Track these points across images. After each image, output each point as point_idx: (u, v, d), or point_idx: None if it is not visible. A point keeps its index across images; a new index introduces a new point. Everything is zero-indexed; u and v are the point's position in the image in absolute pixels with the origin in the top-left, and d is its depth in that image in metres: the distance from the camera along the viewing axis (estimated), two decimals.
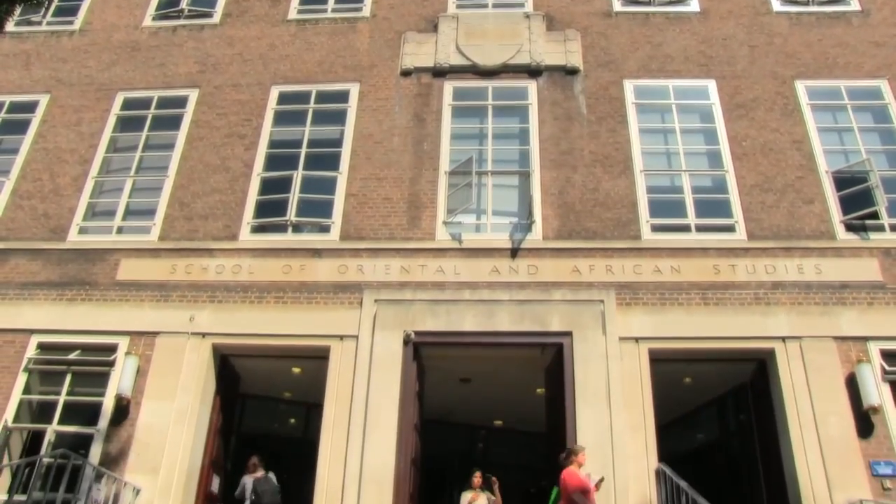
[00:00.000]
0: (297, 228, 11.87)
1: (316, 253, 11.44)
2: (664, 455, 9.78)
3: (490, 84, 13.05)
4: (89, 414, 10.58)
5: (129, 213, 12.43)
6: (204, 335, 10.94)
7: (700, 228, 11.50)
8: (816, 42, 13.19)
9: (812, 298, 10.69)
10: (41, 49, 14.35)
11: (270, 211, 11.96)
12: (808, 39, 13.24)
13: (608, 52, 13.28)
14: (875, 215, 11.27)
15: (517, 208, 11.92)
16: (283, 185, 12.06)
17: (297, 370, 12.08)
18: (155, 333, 10.96)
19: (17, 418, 10.68)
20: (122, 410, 10.45)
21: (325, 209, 11.89)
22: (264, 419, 13.93)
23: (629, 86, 12.85)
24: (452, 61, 13.17)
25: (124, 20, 14.61)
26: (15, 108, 13.63)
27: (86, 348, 10.98)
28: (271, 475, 11.01)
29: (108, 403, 10.52)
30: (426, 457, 11.05)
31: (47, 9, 14.42)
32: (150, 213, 12.24)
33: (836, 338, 10.35)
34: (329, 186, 12.07)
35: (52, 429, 10.44)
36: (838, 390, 9.99)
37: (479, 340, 10.66)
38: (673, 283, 10.89)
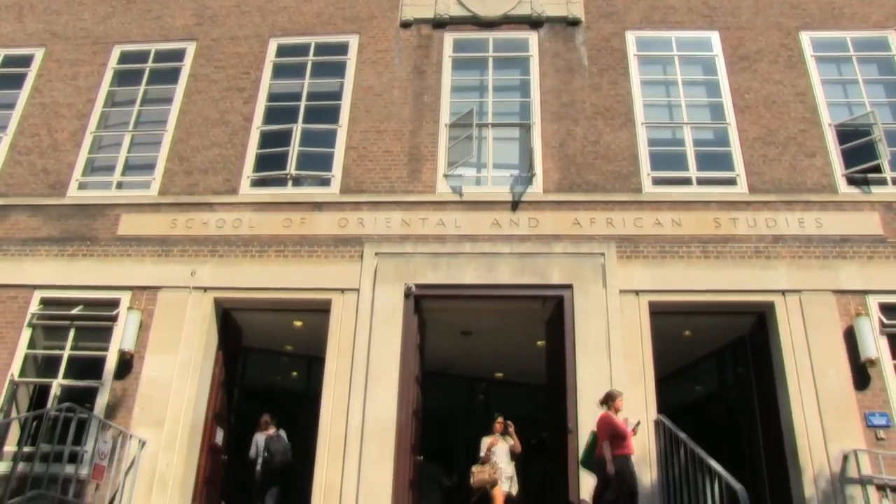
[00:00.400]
0: (298, 182, 11.84)
1: (316, 206, 11.43)
2: (663, 407, 9.88)
3: (491, 35, 12.89)
4: (94, 368, 10.67)
5: (128, 167, 12.38)
6: (205, 289, 10.98)
7: (701, 181, 11.46)
8: None
9: (812, 252, 10.70)
10: (34, 1, 14.14)
11: (270, 164, 11.91)
12: None
13: (610, 2, 13.09)
14: (877, 169, 11.21)
15: (518, 161, 11.88)
16: (283, 138, 11.99)
17: (298, 323, 12.16)
18: (157, 288, 11.01)
19: (22, 373, 10.78)
20: (126, 364, 10.54)
21: (325, 162, 11.84)
22: (267, 372, 14.06)
23: (631, 37, 12.69)
24: (453, 12, 13.00)
25: None
26: (9, 61, 13.47)
27: (88, 303, 11.04)
28: (282, 433, 11.25)
29: (111, 358, 10.61)
30: (427, 409, 11.15)
31: None
32: (149, 167, 12.20)
33: (835, 291, 10.39)
34: (329, 139, 12.00)
35: (58, 383, 10.55)
36: (836, 343, 10.05)
37: (480, 293, 10.70)
38: (673, 236, 10.89)
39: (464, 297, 10.82)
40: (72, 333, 10.94)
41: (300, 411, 12.85)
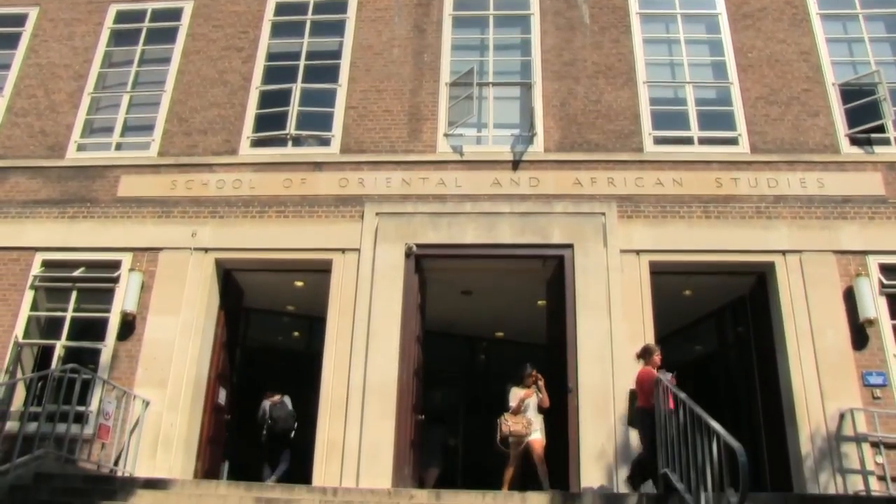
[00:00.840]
0: (298, 142, 11.80)
1: (316, 166, 11.40)
2: (663, 366, 9.92)
3: None
4: (97, 329, 10.74)
5: (127, 129, 12.33)
6: (206, 250, 11.00)
7: (703, 141, 11.42)
8: None
9: (813, 212, 10.69)
10: None
11: (270, 124, 11.85)
12: None
13: None
14: (881, 128, 11.15)
15: (518, 120, 11.82)
16: (283, 98, 11.91)
17: (299, 284, 12.19)
18: (158, 249, 11.02)
19: (26, 334, 10.85)
20: (129, 326, 10.60)
21: (325, 122, 11.79)
22: (268, 332, 14.13)
23: None
24: None
25: None
26: (3, 20, 13.29)
27: (90, 265, 11.07)
28: (286, 399, 11.44)
29: (114, 319, 10.68)
30: (428, 368, 11.22)
31: None
32: (148, 128, 12.14)
33: (835, 252, 10.40)
34: (329, 99, 11.92)
35: (61, 344, 10.62)
36: (836, 303, 10.09)
37: (481, 253, 10.71)
38: (674, 196, 10.87)
39: (464, 257, 10.84)
40: (74, 295, 11.00)
41: (302, 371, 12.95)
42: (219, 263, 11.11)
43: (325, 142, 11.71)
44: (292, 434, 11.60)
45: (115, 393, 9.93)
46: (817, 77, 11.65)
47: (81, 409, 9.52)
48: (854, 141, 11.16)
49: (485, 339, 15.71)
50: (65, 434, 9.05)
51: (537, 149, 11.31)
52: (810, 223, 10.60)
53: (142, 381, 10.25)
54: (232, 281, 11.57)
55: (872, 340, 9.89)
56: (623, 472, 9.19)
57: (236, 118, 11.93)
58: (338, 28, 12.56)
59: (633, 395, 8.83)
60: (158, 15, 13.03)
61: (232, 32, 12.66)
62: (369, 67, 12.14)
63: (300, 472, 10.50)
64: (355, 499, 7.72)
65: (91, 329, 10.83)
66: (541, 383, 9.77)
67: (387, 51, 12.26)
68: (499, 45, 12.39)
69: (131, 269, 10.81)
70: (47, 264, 11.17)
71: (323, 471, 9.67)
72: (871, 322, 9.84)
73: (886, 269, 10.25)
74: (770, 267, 10.50)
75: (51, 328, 11.04)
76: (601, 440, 9.42)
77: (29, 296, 11.00)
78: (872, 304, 9.86)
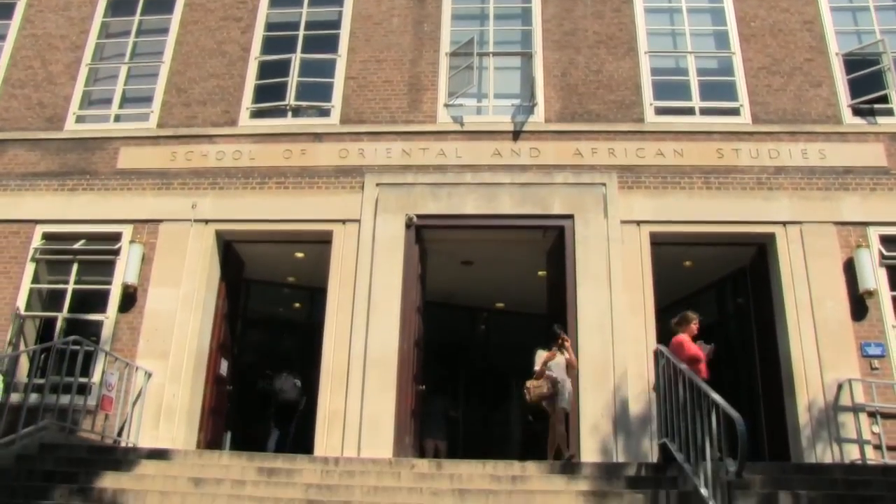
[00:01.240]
0: (297, 112, 11.74)
1: (316, 137, 11.35)
2: (663, 337, 9.95)
3: None
4: (98, 302, 10.76)
5: (125, 100, 12.27)
6: (207, 222, 10.99)
7: (704, 111, 11.35)
8: None
9: (815, 184, 10.65)
10: None
11: (269, 95, 11.79)
12: None
13: None
14: (884, 99, 11.09)
15: (519, 90, 11.76)
16: (282, 68, 11.84)
17: (300, 255, 12.19)
18: (158, 221, 11.02)
19: (28, 306, 10.87)
20: (130, 297, 10.62)
21: (325, 92, 11.72)
22: (269, 304, 14.16)
23: None
24: None
25: None
26: None
27: (90, 237, 11.06)
28: (290, 375, 12.25)
29: (115, 291, 10.70)
30: (428, 339, 11.27)
31: None
32: (147, 100, 12.08)
33: (836, 223, 10.39)
34: (328, 69, 11.85)
35: (63, 316, 10.63)
36: (836, 275, 10.10)
37: (481, 223, 10.72)
38: (675, 167, 10.84)
39: (465, 228, 10.85)
40: (75, 267, 11.01)
41: (303, 342, 13.02)
42: (219, 235, 11.10)
43: (324, 112, 11.65)
44: (299, 408, 12.16)
45: (118, 364, 9.97)
46: (820, 47, 11.56)
47: (84, 380, 9.57)
48: (857, 111, 11.10)
49: (485, 310, 15.74)
50: (68, 405, 9.11)
51: (538, 119, 11.25)
52: (811, 194, 10.57)
53: (144, 353, 10.29)
54: (232, 252, 11.57)
55: (872, 311, 9.91)
56: (622, 442, 9.27)
57: (235, 89, 11.86)
58: None
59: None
60: None
61: (230, 2, 12.54)
62: (369, 37, 12.04)
63: (303, 443, 10.60)
64: (357, 469, 7.78)
65: (92, 301, 10.85)
66: (567, 344, 9.38)
67: (386, 20, 12.15)
68: (499, 15, 12.26)
69: (132, 241, 10.80)
70: (48, 237, 11.16)
71: (324, 441, 9.74)
72: (870, 293, 9.85)
73: (887, 241, 10.24)
74: (770, 238, 10.50)
75: (52, 300, 11.06)
76: (600, 410, 9.49)
77: (30, 268, 11.01)
78: (872, 276, 9.87)
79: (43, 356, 9.65)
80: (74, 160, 11.56)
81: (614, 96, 11.37)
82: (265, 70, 12.03)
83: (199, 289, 10.70)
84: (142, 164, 11.44)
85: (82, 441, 9.19)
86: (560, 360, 9.28)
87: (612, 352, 9.76)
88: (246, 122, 11.64)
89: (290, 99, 11.64)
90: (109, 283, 10.76)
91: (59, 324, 10.57)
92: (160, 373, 10.18)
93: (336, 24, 12.20)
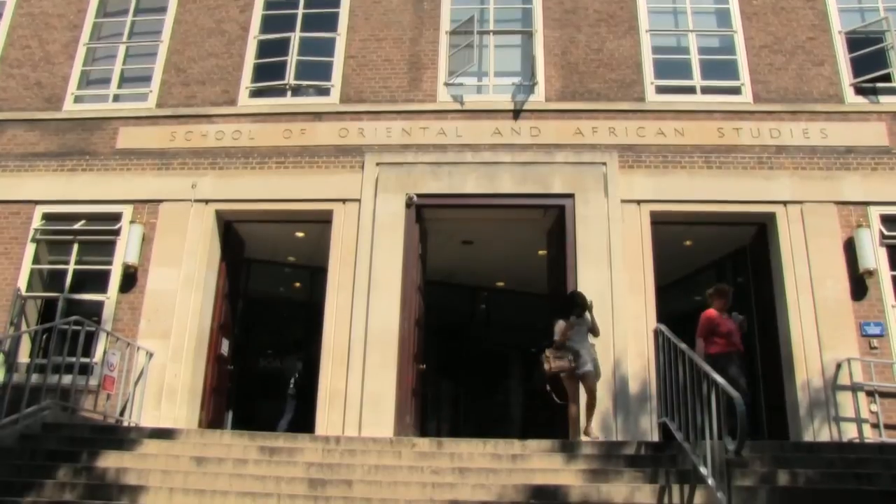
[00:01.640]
0: (297, 92, 11.69)
1: (316, 116, 11.31)
2: (663, 316, 9.98)
3: None
4: (99, 282, 10.78)
5: (124, 80, 12.23)
6: (207, 202, 10.98)
7: (705, 90, 11.30)
8: None
9: (816, 163, 10.63)
10: None
11: (269, 74, 11.73)
12: None
13: None
14: (887, 77, 11.04)
15: (519, 69, 11.70)
16: (281, 47, 11.77)
17: (300, 234, 12.20)
18: (158, 201, 11.01)
19: (29, 287, 10.89)
20: (130, 278, 10.63)
21: (325, 71, 11.67)
22: (270, 283, 14.18)
23: None
24: None
25: None
26: None
27: (90, 218, 11.06)
28: (294, 358, 12.61)
29: (115, 271, 10.71)
30: (428, 318, 11.29)
31: None
32: (145, 79, 12.03)
33: (837, 202, 10.37)
34: (328, 48, 11.78)
35: (64, 297, 10.63)
36: (836, 254, 10.10)
37: (481, 202, 10.70)
38: (676, 146, 10.81)
39: (465, 207, 10.84)
40: (75, 248, 11.02)
41: (304, 321, 13.05)
42: (219, 215, 11.10)
43: (324, 92, 11.60)
44: (290, 385, 12.47)
45: (119, 344, 10.02)
46: (823, 25, 11.49)
47: (86, 360, 9.60)
48: (859, 90, 11.05)
49: (485, 289, 15.78)
50: (70, 385, 9.14)
51: (538, 98, 11.21)
52: (812, 174, 10.55)
53: (145, 333, 10.32)
54: (233, 232, 11.57)
55: (871, 291, 9.93)
56: (621, 420, 9.31)
57: (235, 68, 11.80)
58: None
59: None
60: None
61: None
62: (368, 15, 11.96)
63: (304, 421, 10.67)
64: (358, 447, 7.82)
65: (93, 281, 10.87)
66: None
67: None
68: None
69: (132, 222, 10.80)
70: (48, 217, 11.16)
71: (325, 420, 9.79)
72: (870, 273, 9.86)
73: (887, 220, 10.24)
74: (771, 217, 10.49)
75: (53, 281, 11.08)
76: (600, 389, 9.49)
77: (30, 249, 11.02)
78: (872, 255, 9.87)
79: (44, 336, 9.68)
80: (74, 140, 11.52)
81: (615, 75, 11.32)
82: (264, 49, 11.96)
83: (199, 269, 10.71)
84: (141, 144, 11.41)
85: (85, 421, 9.23)
86: (581, 328, 8.79)
87: (612, 330, 9.76)
88: (245, 102, 11.60)
89: (290, 78, 11.59)
90: (110, 263, 10.77)
91: (60, 304, 10.56)
92: (161, 352, 10.22)
93: (335, 3, 12.10)
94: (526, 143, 10.92)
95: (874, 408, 9.38)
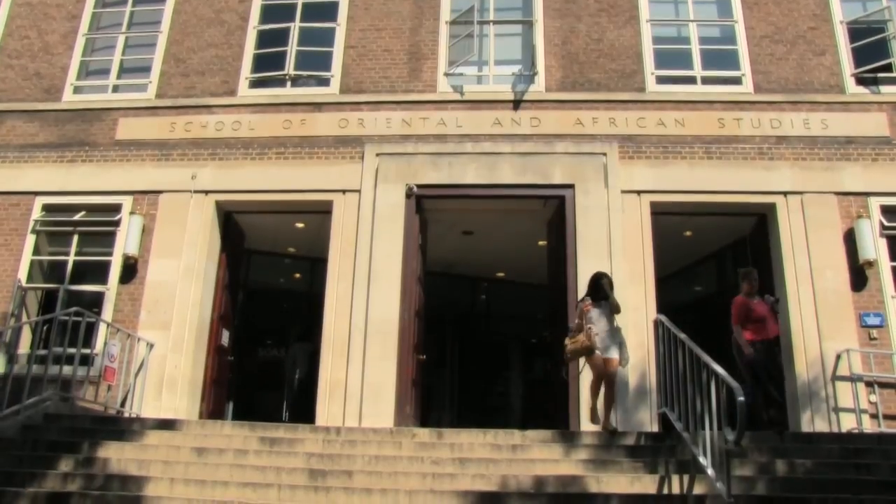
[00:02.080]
0: (297, 82, 11.67)
1: (316, 107, 11.29)
2: (663, 306, 9.99)
3: None
4: (99, 273, 10.79)
5: (123, 70, 12.19)
6: (207, 192, 10.97)
7: (706, 80, 11.27)
8: None
9: (816, 153, 10.61)
10: None
11: (268, 65, 11.71)
12: None
13: None
14: (888, 68, 11.00)
15: (520, 59, 11.67)
16: (281, 37, 11.74)
17: (300, 225, 12.19)
18: (158, 192, 11.00)
19: (29, 278, 10.90)
20: (131, 269, 10.64)
21: (325, 62, 11.64)
22: (270, 274, 14.19)
23: None
24: None
25: None
26: None
27: (90, 209, 11.05)
28: (301, 343, 12.84)
29: (116, 262, 10.72)
30: (429, 308, 11.30)
31: None
32: (145, 70, 12.00)
33: (837, 193, 10.36)
34: (327, 38, 11.75)
35: (64, 288, 10.64)
36: (836, 245, 10.10)
37: (482, 193, 10.68)
38: (676, 137, 10.79)
39: (465, 197, 10.81)
40: (75, 239, 11.02)
41: (305, 312, 13.07)
42: (219, 206, 11.09)
43: (324, 82, 11.58)
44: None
45: (120, 335, 10.03)
46: (824, 14, 11.45)
47: (87, 351, 9.62)
48: (860, 81, 11.02)
49: (486, 280, 15.79)
50: (71, 376, 9.16)
51: (538, 88, 11.18)
52: (813, 164, 10.53)
53: (145, 324, 10.33)
54: (233, 223, 11.57)
55: (871, 282, 9.94)
56: (621, 411, 9.31)
57: (234, 59, 11.77)
58: None
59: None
60: None
61: None
62: (368, 5, 11.92)
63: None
64: (358, 438, 7.84)
65: (93, 273, 10.88)
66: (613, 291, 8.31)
67: None
68: None
69: (132, 213, 10.80)
70: (47, 208, 11.15)
71: (326, 410, 9.82)
72: (870, 264, 9.87)
73: (887, 211, 10.23)
74: (771, 208, 10.49)
75: (53, 272, 11.09)
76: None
77: (30, 240, 11.02)
78: (872, 246, 9.87)
79: (45, 327, 9.69)
80: (73, 131, 11.51)
81: (615, 65, 11.28)
82: (264, 39, 11.93)
83: (199, 260, 10.71)
84: (141, 134, 11.40)
85: (86, 411, 9.25)
86: (597, 309, 8.21)
87: None
88: (245, 92, 11.58)
89: (290, 68, 11.57)
90: (110, 254, 10.78)
91: (60, 295, 10.57)
92: (162, 343, 10.23)
93: None
94: (526, 133, 10.90)
95: (873, 398, 9.40)
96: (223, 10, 12.13)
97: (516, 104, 11.07)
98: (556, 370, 10.00)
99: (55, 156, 11.38)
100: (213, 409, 10.85)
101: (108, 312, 10.41)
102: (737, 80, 11.19)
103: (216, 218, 11.09)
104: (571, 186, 10.48)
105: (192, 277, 10.58)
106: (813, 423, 9.38)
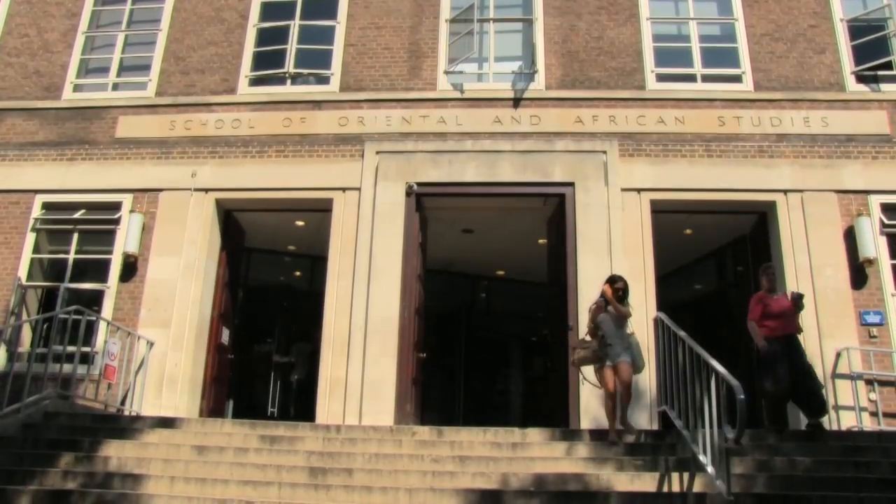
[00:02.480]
0: (296, 80, 11.66)
1: (316, 105, 11.29)
2: (663, 304, 9.99)
3: None
4: (99, 271, 10.78)
5: (123, 68, 12.18)
6: (207, 191, 10.97)
7: (706, 78, 11.26)
8: None
9: (816, 151, 10.61)
10: None
11: (268, 63, 11.69)
12: None
13: None
14: (889, 65, 10.98)
15: (520, 57, 11.65)
16: (281, 35, 11.73)
17: (300, 223, 12.20)
18: (158, 190, 10.99)
19: (29, 277, 10.90)
20: (131, 267, 10.63)
21: (324, 60, 11.63)
22: (270, 272, 14.20)
23: None
24: None
25: None
26: None
27: (90, 207, 11.05)
28: (303, 343, 13.03)
29: (116, 260, 10.71)
30: (429, 306, 11.30)
31: None
32: (144, 68, 11.99)
33: (837, 191, 10.35)
34: (327, 36, 11.74)
35: (64, 286, 10.62)
36: (836, 243, 10.09)
37: (481, 191, 10.68)
38: (676, 135, 10.78)
39: (465, 195, 10.82)
40: (75, 237, 11.01)
41: (305, 310, 13.06)
42: (219, 204, 11.09)
43: (324, 80, 11.57)
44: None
45: (120, 334, 10.03)
46: (825, 12, 11.44)
47: (87, 350, 9.62)
48: (860, 78, 11.01)
49: (486, 278, 15.79)
50: (71, 374, 9.16)
51: (538, 86, 11.18)
52: (813, 162, 10.53)
53: (145, 322, 10.33)
54: (233, 221, 11.56)
55: (871, 280, 9.93)
56: (618, 409, 9.30)
57: (234, 56, 11.76)
58: None
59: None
60: None
61: None
62: (368, 3, 11.91)
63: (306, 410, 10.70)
64: (358, 436, 7.85)
65: (93, 271, 10.88)
66: (608, 296, 7.94)
67: None
68: None
69: (132, 211, 10.79)
70: (47, 206, 11.15)
71: (326, 408, 9.81)
72: (870, 262, 9.86)
73: (888, 209, 10.22)
74: (771, 206, 10.48)
75: (53, 270, 11.08)
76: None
77: (30, 238, 11.02)
78: (873, 244, 9.86)
79: (45, 326, 9.69)
80: (73, 129, 11.50)
81: (615, 63, 11.28)
82: (264, 37, 11.92)
83: (199, 258, 10.71)
84: (140, 132, 11.39)
85: (86, 410, 9.26)
86: (607, 315, 7.96)
87: None
88: (245, 90, 11.57)
89: (290, 66, 11.56)
90: (110, 252, 10.77)
91: (60, 293, 10.56)
92: (162, 342, 10.23)
93: None
94: (526, 131, 10.90)
95: (873, 396, 9.40)
96: (223, 7, 12.12)
97: (516, 102, 11.07)
98: (556, 368, 9.99)
99: (55, 154, 11.37)
100: (213, 408, 10.85)
101: (108, 310, 10.41)
102: (737, 78, 11.18)
103: (216, 216, 11.08)
104: (571, 184, 10.47)
105: (192, 275, 10.58)
106: None
